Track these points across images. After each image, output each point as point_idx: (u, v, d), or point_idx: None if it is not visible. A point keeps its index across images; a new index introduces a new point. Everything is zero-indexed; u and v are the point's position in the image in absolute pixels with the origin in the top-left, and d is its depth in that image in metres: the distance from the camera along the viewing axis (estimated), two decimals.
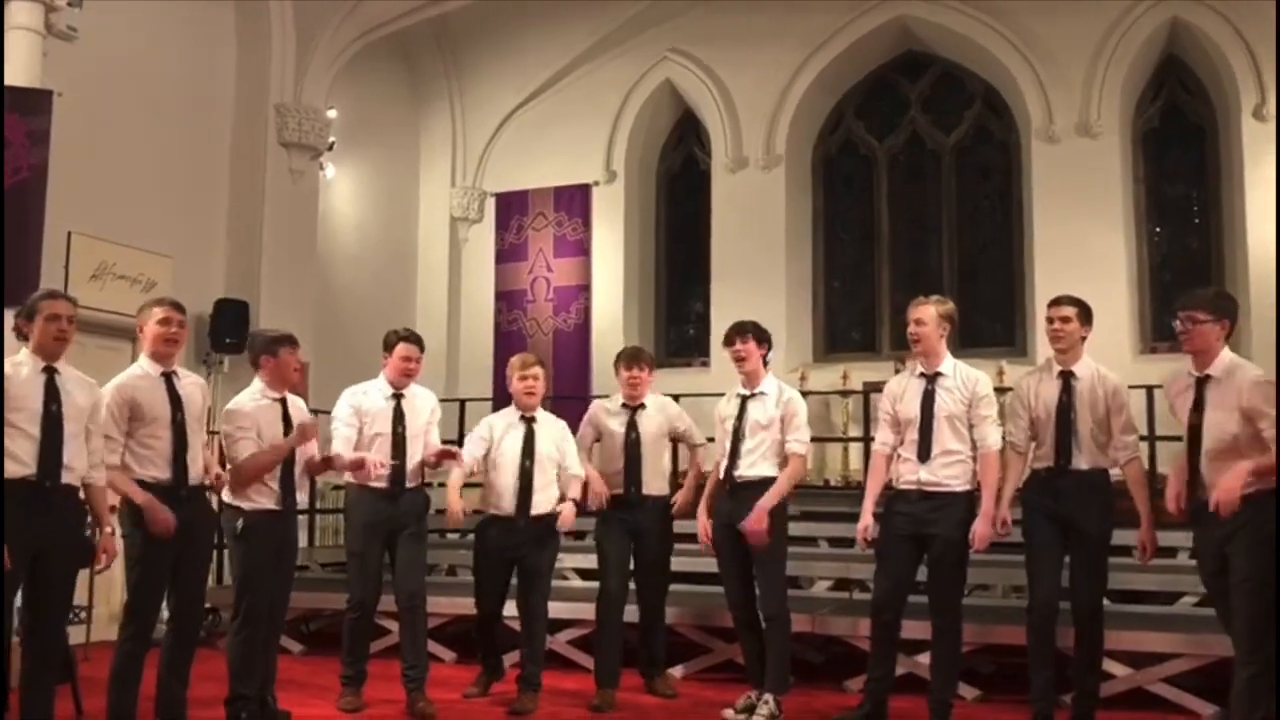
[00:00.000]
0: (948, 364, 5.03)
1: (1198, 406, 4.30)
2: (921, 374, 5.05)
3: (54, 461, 4.09)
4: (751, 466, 5.30)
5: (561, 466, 5.64)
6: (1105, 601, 5.08)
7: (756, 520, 5.10)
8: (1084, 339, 4.94)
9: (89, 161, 7.44)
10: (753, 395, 5.39)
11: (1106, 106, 9.31)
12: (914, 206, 10.45)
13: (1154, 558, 4.80)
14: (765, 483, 5.29)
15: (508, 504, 5.54)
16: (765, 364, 5.45)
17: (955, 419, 4.92)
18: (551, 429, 5.71)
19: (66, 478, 4.14)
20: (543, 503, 5.56)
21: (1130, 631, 5.47)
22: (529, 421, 5.65)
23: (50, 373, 4.18)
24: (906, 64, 10.47)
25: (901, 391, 5.10)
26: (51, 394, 4.15)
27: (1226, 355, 4.33)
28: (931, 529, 4.88)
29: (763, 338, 5.44)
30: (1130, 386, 5.19)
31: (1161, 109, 9.65)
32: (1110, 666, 5.43)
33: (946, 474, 4.90)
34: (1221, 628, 4.45)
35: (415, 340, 5.62)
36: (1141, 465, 4.90)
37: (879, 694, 4.98)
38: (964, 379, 4.99)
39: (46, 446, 4.08)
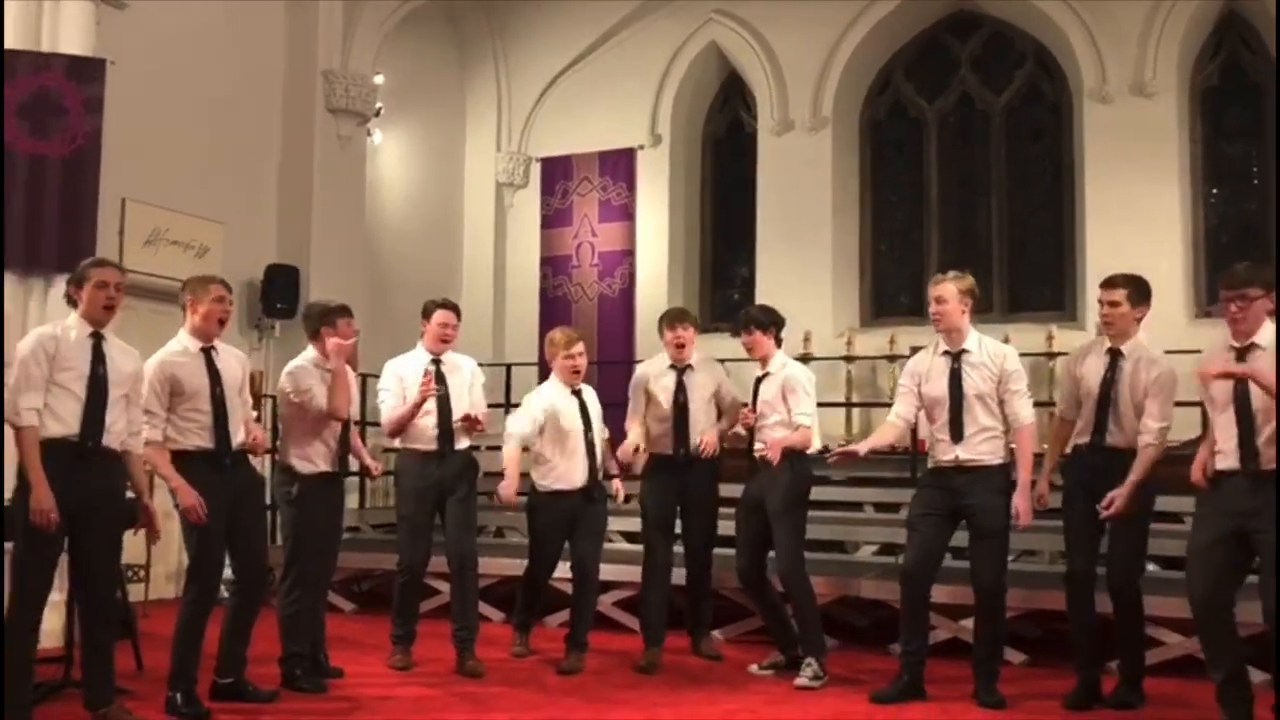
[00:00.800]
0: (972, 340, 5.00)
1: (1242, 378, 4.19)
2: (946, 352, 5.01)
3: (97, 423, 4.18)
4: (768, 442, 5.39)
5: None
6: (1154, 568, 5.06)
7: (774, 449, 5.25)
8: (1139, 320, 4.87)
9: (142, 129, 7.55)
10: (764, 376, 5.53)
11: (1163, 64, 9.09)
12: (963, 169, 10.31)
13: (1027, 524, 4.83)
14: (772, 458, 5.33)
15: (579, 477, 5.58)
16: (778, 343, 5.60)
17: (985, 397, 4.90)
18: (595, 401, 5.80)
19: (107, 440, 4.22)
20: (602, 471, 5.71)
21: (1181, 598, 5.40)
22: (578, 394, 5.72)
23: (97, 338, 4.28)
24: (956, 23, 10.30)
25: (927, 370, 5.06)
26: (98, 358, 4.24)
27: (1269, 326, 4.26)
28: (968, 499, 4.89)
29: (768, 323, 5.56)
30: (1184, 351, 5.12)
31: (1221, 66, 9.41)
32: (1161, 634, 5.41)
33: (982, 450, 4.90)
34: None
35: (452, 307, 5.69)
36: (1155, 455, 4.74)
37: (915, 665, 5.00)
38: (990, 355, 4.96)
39: (90, 408, 4.17)
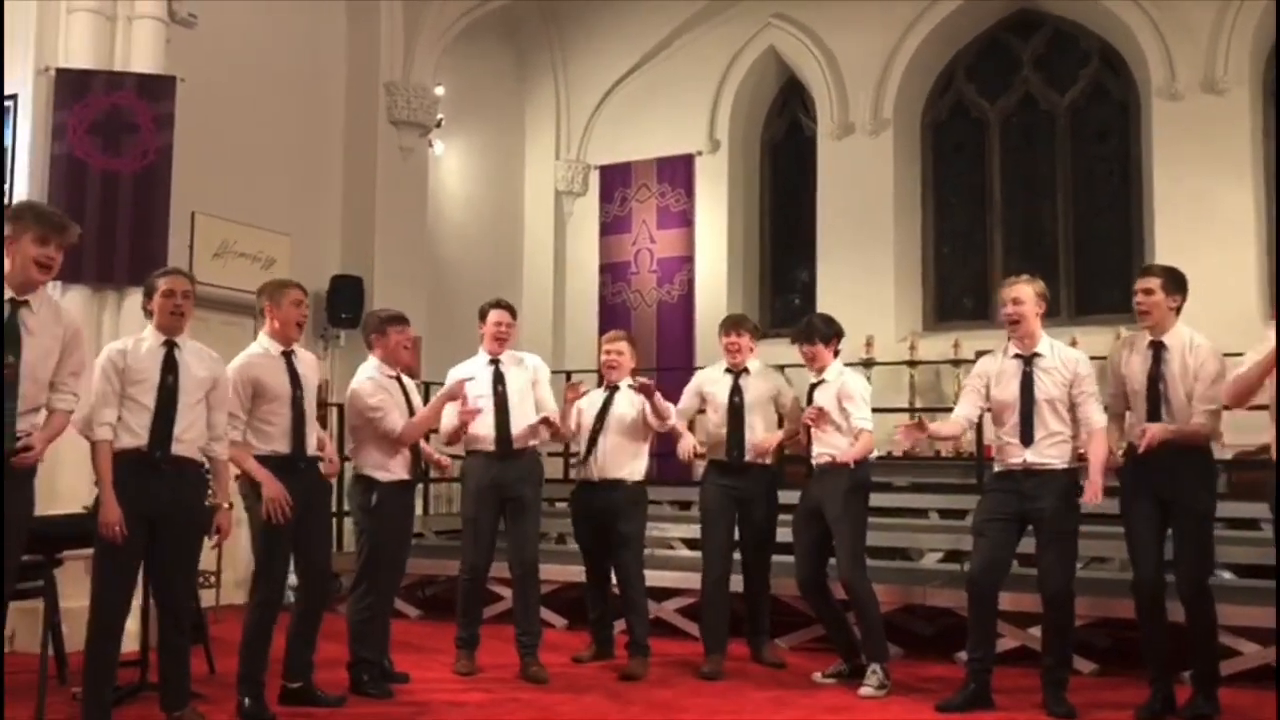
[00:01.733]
0: (1044, 344, 4.96)
1: None
2: (1018, 355, 4.97)
3: (165, 433, 4.24)
4: (826, 448, 5.38)
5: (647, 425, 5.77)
6: (1229, 576, 4.93)
7: (846, 457, 5.23)
8: (1175, 310, 4.79)
9: (210, 144, 7.71)
10: (819, 383, 5.53)
11: (1234, 59, 8.88)
12: (1027, 170, 10.15)
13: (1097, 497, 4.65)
14: (840, 465, 5.31)
15: (589, 470, 5.76)
16: (836, 354, 5.60)
17: (1056, 401, 4.86)
18: (629, 399, 5.80)
19: (177, 449, 4.27)
20: (616, 468, 5.70)
21: (1257, 607, 5.28)
22: (611, 390, 5.81)
23: (170, 346, 4.35)
24: (1019, 22, 10.15)
25: (997, 373, 5.02)
26: (169, 367, 4.31)
27: None
28: (1035, 504, 4.83)
29: (830, 335, 5.56)
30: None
31: None
32: (1237, 643, 5.27)
33: (1051, 454, 4.86)
34: None
35: (505, 306, 5.76)
36: (1210, 429, 4.65)
37: (982, 673, 4.93)
38: (1063, 360, 4.93)
39: (159, 418, 4.24)
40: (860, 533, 5.39)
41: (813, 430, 5.41)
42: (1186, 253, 8.06)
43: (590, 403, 5.87)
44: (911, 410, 9.29)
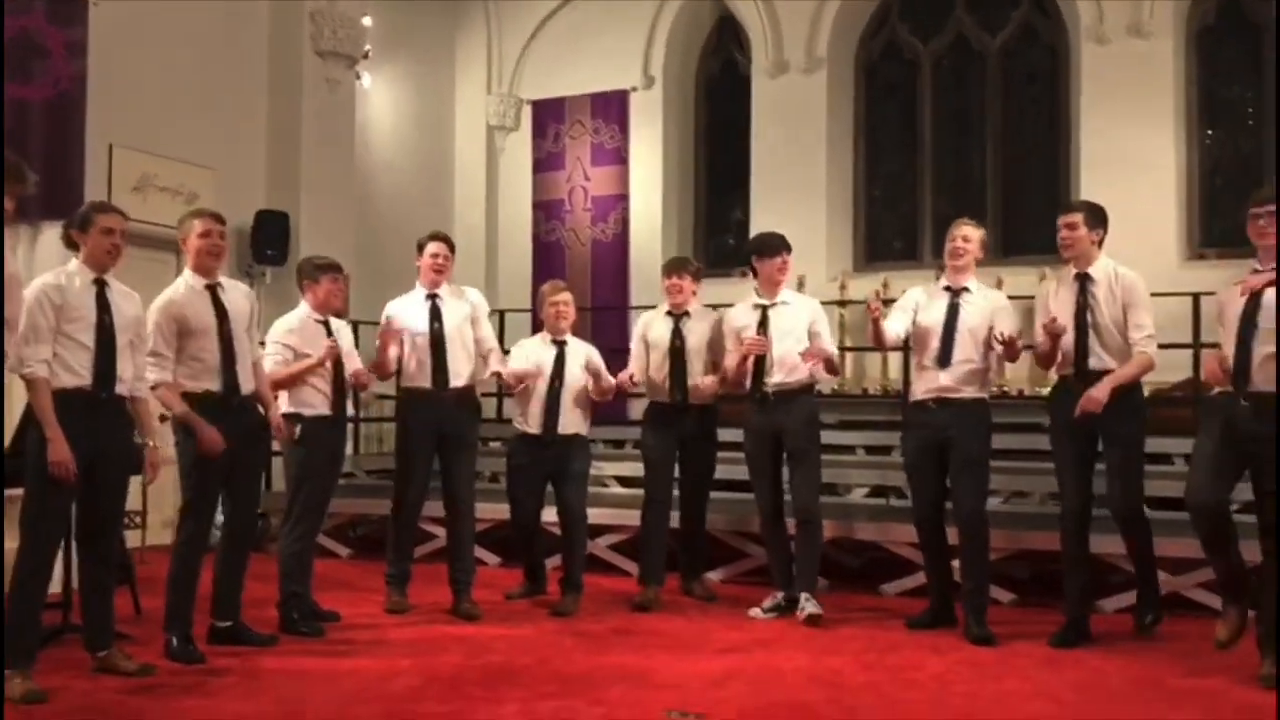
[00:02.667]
0: (973, 283, 5.24)
1: (1254, 296, 4.22)
2: (947, 287, 5.21)
3: (109, 372, 4.18)
4: (789, 375, 5.41)
5: (593, 380, 5.77)
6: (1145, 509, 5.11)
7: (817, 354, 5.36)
8: (1097, 243, 4.97)
9: (127, 73, 7.45)
10: (774, 305, 5.48)
11: (1160, 5, 8.99)
12: (958, 112, 10.21)
13: (1084, 415, 4.73)
14: (804, 389, 5.43)
15: (535, 425, 5.68)
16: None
17: (976, 332, 5.10)
18: (582, 352, 5.83)
19: (119, 388, 4.23)
20: (570, 423, 5.70)
21: (1167, 538, 5.47)
22: (560, 345, 5.76)
23: (101, 285, 4.25)
24: None
25: (928, 301, 5.25)
26: (104, 306, 4.22)
27: None
28: (949, 433, 5.04)
29: (790, 249, 5.59)
30: (1176, 294, 5.13)
31: (1218, 5, 9.30)
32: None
33: (965, 381, 5.07)
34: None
35: (443, 238, 5.71)
36: (1147, 362, 4.82)
37: (942, 595, 5.25)
38: (986, 298, 5.22)
39: (101, 357, 4.16)
40: (818, 461, 5.51)
41: (768, 357, 5.39)
42: (1110, 195, 8.17)
43: (533, 355, 5.78)
44: (842, 349, 9.40)
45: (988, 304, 5.17)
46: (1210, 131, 9.33)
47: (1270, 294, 4.21)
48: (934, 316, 5.17)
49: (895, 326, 5.29)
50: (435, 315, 5.55)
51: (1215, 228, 9.07)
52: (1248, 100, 9.30)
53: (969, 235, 5.22)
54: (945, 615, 5.22)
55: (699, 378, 5.81)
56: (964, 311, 5.12)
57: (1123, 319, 4.83)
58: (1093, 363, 4.84)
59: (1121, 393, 4.77)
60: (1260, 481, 4.26)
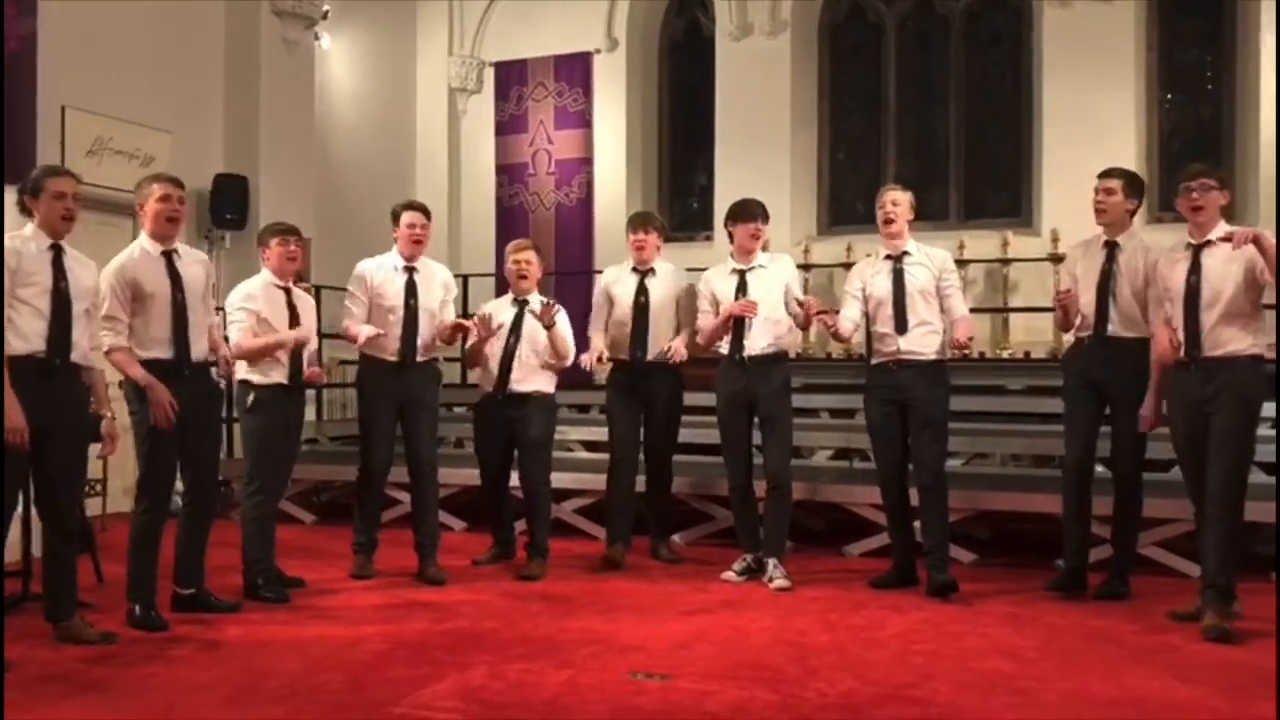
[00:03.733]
0: (911, 244, 5.29)
1: (1195, 268, 4.46)
2: (888, 256, 5.27)
3: (64, 340, 4.12)
4: (762, 338, 5.41)
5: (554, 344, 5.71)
6: (1099, 469, 5.20)
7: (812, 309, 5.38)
8: (1130, 212, 5.04)
9: (80, 33, 7.28)
10: (751, 269, 5.46)
11: None
12: (921, 75, 10.21)
13: (1154, 427, 4.87)
14: (779, 355, 5.47)
15: (491, 382, 5.70)
16: None
17: (926, 293, 5.18)
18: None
19: (74, 356, 4.17)
20: (528, 381, 5.67)
21: (1148, 499, 5.54)
22: (521, 304, 5.74)
23: (57, 250, 4.18)
24: None
25: (872, 274, 5.31)
26: (60, 272, 4.15)
27: (1223, 223, 4.51)
28: (909, 393, 5.13)
29: (768, 215, 5.56)
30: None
31: None
32: (1102, 531, 5.55)
33: (922, 343, 5.15)
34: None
35: (419, 208, 5.64)
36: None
37: (905, 555, 5.34)
38: (929, 256, 5.28)
39: (56, 325, 4.10)
40: (790, 426, 5.54)
41: (747, 320, 5.37)
42: (1071, 159, 8.29)
43: (496, 313, 5.77)
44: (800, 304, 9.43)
45: (932, 263, 5.23)
46: (1169, 96, 9.41)
47: (1211, 262, 4.40)
48: (882, 287, 5.22)
49: (851, 314, 5.34)
50: (411, 291, 5.50)
51: (1173, 192, 9.15)
52: (1206, 65, 9.38)
53: (898, 199, 5.27)
54: (909, 575, 5.31)
55: (664, 340, 5.78)
56: (909, 275, 5.19)
57: (1144, 292, 4.89)
58: (1110, 329, 4.94)
59: (1131, 356, 4.89)
60: (1211, 435, 4.41)
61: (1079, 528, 5.06)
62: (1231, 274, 4.37)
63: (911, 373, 5.13)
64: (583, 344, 5.95)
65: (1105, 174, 5.12)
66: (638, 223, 5.97)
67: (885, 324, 5.19)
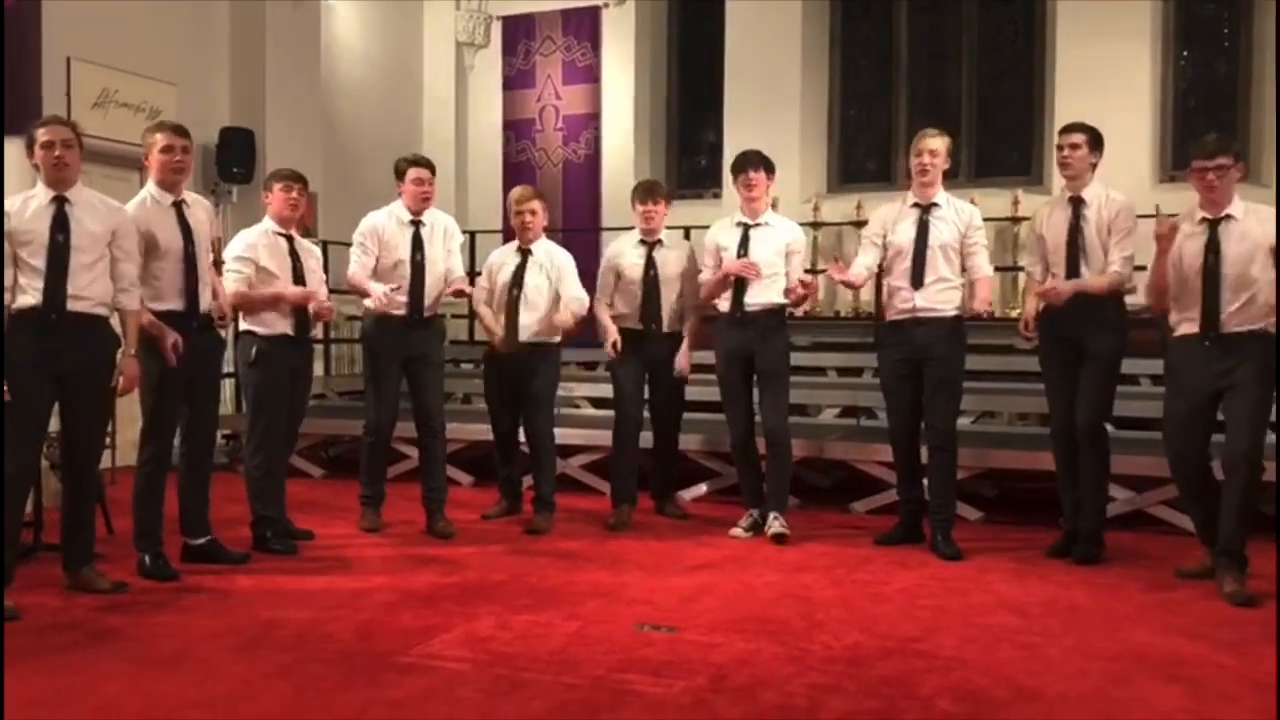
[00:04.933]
0: (941, 196, 5.16)
1: (1213, 247, 4.35)
2: (916, 204, 5.14)
3: (59, 292, 4.09)
4: (761, 295, 5.36)
5: (561, 295, 5.70)
6: (1109, 428, 5.18)
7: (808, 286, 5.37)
8: (1094, 166, 4.96)
9: None
10: (756, 225, 5.42)
11: None
12: (934, 31, 10.09)
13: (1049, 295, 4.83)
14: (776, 311, 5.41)
15: (498, 332, 5.68)
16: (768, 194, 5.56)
17: (949, 248, 5.08)
18: (548, 260, 5.74)
19: (77, 306, 4.12)
20: (533, 331, 5.66)
21: (1132, 456, 5.57)
22: (524, 254, 5.72)
23: (60, 202, 4.15)
24: None
25: (895, 220, 5.18)
26: (59, 224, 4.12)
27: (1238, 200, 4.42)
28: (926, 352, 5.05)
29: (770, 168, 5.48)
30: (1148, 215, 5.13)
31: None
32: (1112, 490, 5.56)
33: (939, 299, 5.05)
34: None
35: (425, 164, 5.59)
36: (1121, 279, 4.86)
37: (912, 511, 5.30)
38: (958, 210, 5.15)
39: (51, 278, 4.08)
40: (788, 381, 5.52)
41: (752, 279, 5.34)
42: (1084, 116, 8.13)
43: (500, 262, 5.78)
44: (814, 271, 9.40)
45: (960, 219, 5.12)
46: (1185, 53, 9.29)
47: (1229, 239, 4.32)
48: (905, 235, 5.12)
49: (865, 260, 5.26)
50: (418, 245, 5.48)
51: (1188, 150, 9.06)
52: (1224, 20, 9.24)
53: (935, 149, 5.10)
54: (915, 532, 5.29)
55: (673, 308, 5.78)
56: (934, 228, 5.08)
57: (1108, 239, 4.84)
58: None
59: (1103, 308, 4.82)
60: (1229, 409, 4.35)
61: (1074, 491, 4.97)
62: (1247, 251, 4.31)
63: (928, 330, 5.04)
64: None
65: (1068, 129, 5.02)
66: (645, 193, 5.84)
67: (901, 277, 5.10)
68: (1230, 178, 4.37)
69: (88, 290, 4.16)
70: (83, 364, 4.19)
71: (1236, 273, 4.31)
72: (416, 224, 5.52)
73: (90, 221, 4.20)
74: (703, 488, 6.57)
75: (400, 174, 5.56)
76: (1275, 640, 3.70)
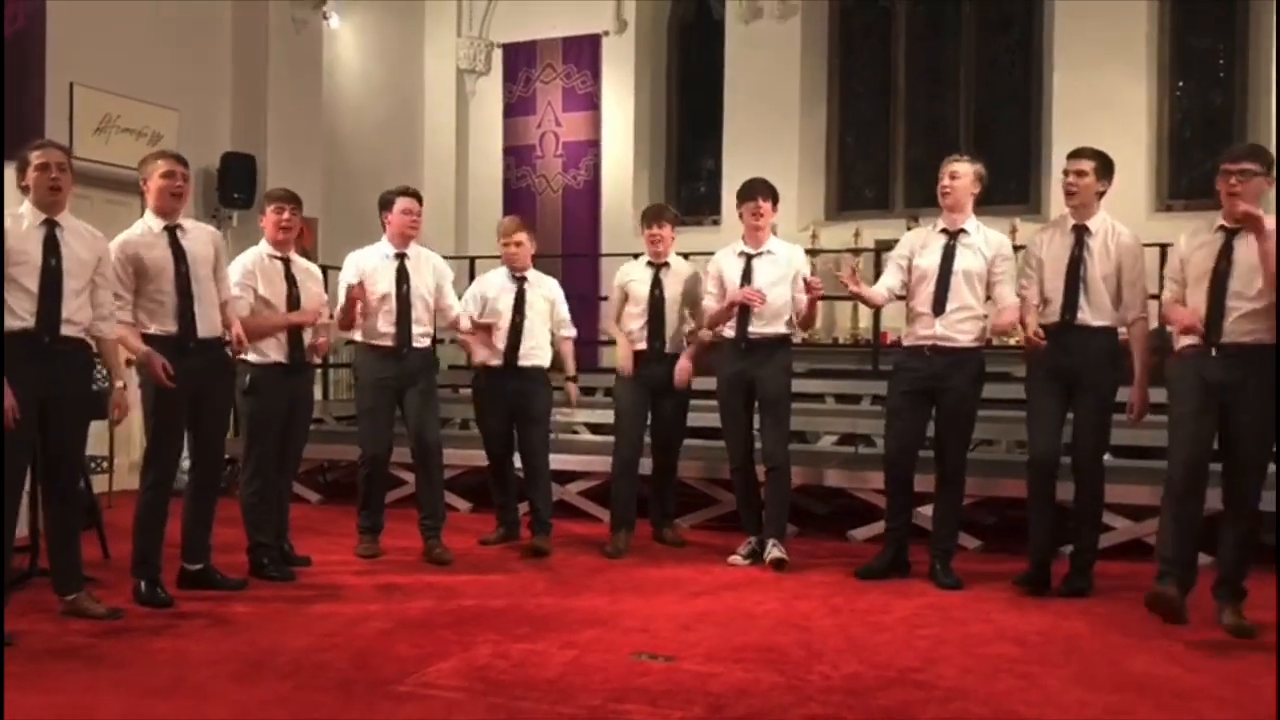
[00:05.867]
0: (972, 223, 5.09)
1: (1225, 253, 4.26)
2: (944, 230, 5.08)
3: (53, 315, 4.10)
4: (768, 324, 5.38)
5: (555, 323, 5.91)
6: (1106, 456, 5.16)
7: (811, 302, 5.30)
8: (1101, 194, 4.85)
9: (88, 10, 7.27)
10: (759, 254, 5.44)
11: None
12: (932, 60, 10.17)
13: (1143, 416, 4.78)
14: (781, 340, 5.42)
15: (498, 357, 5.78)
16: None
17: (974, 276, 4.99)
18: (544, 288, 5.93)
19: (68, 330, 4.14)
20: (535, 355, 5.80)
21: (1129, 485, 5.57)
22: (520, 281, 5.83)
23: (50, 226, 4.16)
24: None
25: (923, 244, 5.14)
26: (50, 247, 4.12)
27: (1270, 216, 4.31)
28: (944, 382, 4.97)
29: (776, 197, 5.49)
30: (1145, 245, 5.14)
31: None
32: (1111, 519, 5.55)
33: (961, 329, 4.98)
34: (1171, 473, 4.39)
35: (413, 194, 5.59)
36: (1147, 326, 4.84)
37: (899, 541, 5.20)
38: (987, 239, 5.07)
39: (45, 300, 4.08)
40: (789, 409, 5.50)
41: (756, 308, 5.33)
42: (1081, 145, 8.22)
43: (497, 289, 5.86)
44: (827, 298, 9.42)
45: (988, 247, 5.01)
46: (1181, 83, 9.36)
47: (1243, 251, 4.22)
48: (930, 260, 5.04)
49: (888, 281, 5.21)
50: (403, 277, 5.49)
51: (1184, 180, 9.13)
52: (1219, 53, 9.32)
53: (956, 172, 5.05)
54: (900, 564, 5.17)
55: (682, 331, 5.84)
56: (960, 255, 4.99)
57: (1115, 279, 4.76)
58: (1080, 317, 4.77)
59: (1099, 342, 4.77)
60: (1232, 428, 4.26)
61: (1046, 523, 4.86)
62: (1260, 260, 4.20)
63: (946, 360, 4.96)
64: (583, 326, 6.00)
65: (1075, 154, 4.88)
66: (653, 217, 5.89)
67: (924, 302, 5.02)
68: (1255, 186, 4.24)
69: (77, 315, 4.19)
70: (69, 388, 4.21)
71: (1243, 285, 4.21)
72: (401, 256, 5.53)
73: (79, 247, 4.22)
74: (701, 514, 6.56)
75: (386, 205, 5.54)
76: (1275, 672, 3.69)
